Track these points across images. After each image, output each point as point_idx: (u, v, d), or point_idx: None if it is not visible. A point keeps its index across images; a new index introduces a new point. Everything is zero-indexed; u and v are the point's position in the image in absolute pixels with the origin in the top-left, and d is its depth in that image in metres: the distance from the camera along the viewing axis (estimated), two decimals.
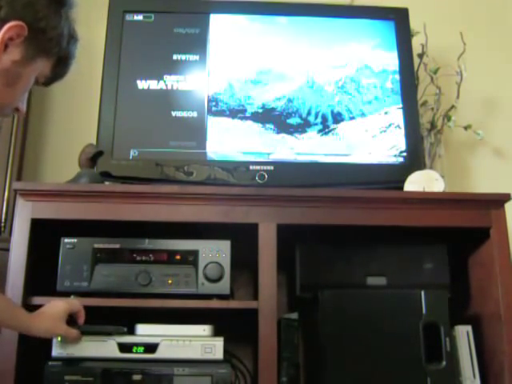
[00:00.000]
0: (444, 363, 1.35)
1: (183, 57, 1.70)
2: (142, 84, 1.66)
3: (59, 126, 1.88)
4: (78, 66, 1.04)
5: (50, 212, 1.37)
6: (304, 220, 1.42)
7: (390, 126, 1.70)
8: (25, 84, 0.97)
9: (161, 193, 1.41)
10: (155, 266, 1.39)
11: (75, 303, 1.30)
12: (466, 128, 1.86)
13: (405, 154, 1.68)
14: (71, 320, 1.30)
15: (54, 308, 1.27)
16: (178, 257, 1.41)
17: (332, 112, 1.70)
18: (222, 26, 1.74)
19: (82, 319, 1.31)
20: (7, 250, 1.37)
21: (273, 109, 1.69)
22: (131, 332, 1.37)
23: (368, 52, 1.76)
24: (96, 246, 1.40)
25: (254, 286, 1.55)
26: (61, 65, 1.01)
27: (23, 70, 0.93)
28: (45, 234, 1.41)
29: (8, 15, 0.85)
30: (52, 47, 0.95)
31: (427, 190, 1.54)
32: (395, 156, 1.68)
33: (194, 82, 1.69)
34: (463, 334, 1.45)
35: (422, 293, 1.39)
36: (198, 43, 1.72)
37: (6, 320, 1.21)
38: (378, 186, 1.60)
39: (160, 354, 1.33)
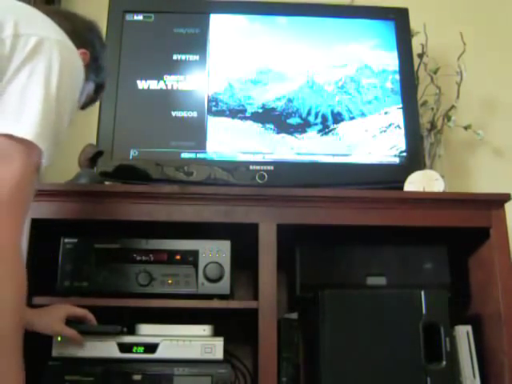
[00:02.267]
0: (444, 363, 1.35)
1: (183, 57, 1.70)
2: (141, 84, 1.66)
3: None
4: None
5: (50, 212, 1.37)
6: (304, 220, 1.42)
7: (390, 126, 1.70)
8: (83, 97, 1.24)
9: (161, 193, 1.41)
10: (155, 266, 1.39)
11: (78, 309, 1.30)
12: (466, 128, 1.86)
13: (405, 154, 1.68)
14: (72, 322, 1.30)
15: (55, 308, 1.28)
16: (177, 257, 1.41)
17: (332, 112, 1.70)
18: (222, 25, 1.74)
19: (92, 321, 1.31)
20: None
21: (273, 109, 1.69)
22: (131, 332, 1.37)
23: (368, 52, 1.76)
24: (96, 245, 1.40)
25: (254, 286, 1.55)
26: (97, 91, 1.30)
27: (84, 86, 1.17)
28: (45, 234, 1.41)
29: (77, 45, 1.09)
30: (99, 73, 1.26)
31: (427, 189, 1.54)
32: (395, 156, 1.68)
33: (194, 82, 1.69)
34: (463, 334, 1.45)
35: (422, 293, 1.39)
36: (198, 43, 1.72)
37: None
38: (378, 186, 1.60)
39: (160, 354, 1.33)
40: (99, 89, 1.31)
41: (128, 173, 1.56)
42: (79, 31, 1.17)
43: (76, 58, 1.06)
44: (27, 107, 0.92)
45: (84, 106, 1.31)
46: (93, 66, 1.22)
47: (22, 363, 0.89)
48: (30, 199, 0.96)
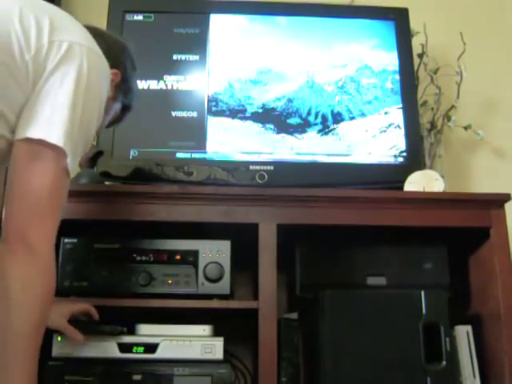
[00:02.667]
0: (444, 363, 1.35)
1: (183, 57, 1.71)
2: (141, 84, 1.66)
3: None
4: None
5: None
6: (304, 220, 1.42)
7: (390, 126, 1.70)
8: (110, 116, 1.27)
9: (161, 193, 1.41)
10: (155, 266, 1.40)
11: (81, 304, 1.30)
12: (466, 128, 1.86)
13: (405, 154, 1.68)
14: (73, 322, 1.30)
15: (60, 305, 1.27)
16: (178, 257, 1.41)
17: (332, 112, 1.70)
18: (222, 25, 1.75)
19: (94, 316, 1.31)
20: None
21: (273, 109, 1.69)
22: (131, 332, 1.37)
23: (368, 52, 1.76)
24: (96, 245, 1.40)
25: (254, 286, 1.55)
26: (124, 111, 1.32)
27: (112, 105, 1.24)
28: None
29: (109, 65, 1.12)
30: (128, 94, 1.28)
31: (427, 189, 1.54)
32: (395, 156, 1.68)
33: (194, 82, 1.69)
34: (463, 333, 1.45)
35: (422, 293, 1.39)
36: (198, 43, 1.72)
37: None
38: (378, 186, 1.60)
39: (160, 354, 1.33)
40: (126, 110, 1.32)
41: (144, 175, 1.56)
42: (112, 51, 1.18)
43: (104, 64, 1.08)
44: (58, 114, 0.95)
45: (109, 125, 1.32)
46: (122, 87, 1.24)
47: (36, 363, 0.92)
48: (65, 202, 0.99)
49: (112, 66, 1.14)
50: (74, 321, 1.29)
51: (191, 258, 1.40)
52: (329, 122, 1.69)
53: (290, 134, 1.67)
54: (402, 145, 1.68)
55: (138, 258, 1.40)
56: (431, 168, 1.75)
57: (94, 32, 1.12)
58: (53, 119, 0.95)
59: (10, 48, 0.94)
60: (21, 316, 0.88)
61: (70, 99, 0.96)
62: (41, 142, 0.93)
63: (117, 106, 1.28)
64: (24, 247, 0.90)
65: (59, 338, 1.32)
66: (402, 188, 1.57)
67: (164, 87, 1.67)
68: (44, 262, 0.92)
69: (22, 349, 0.89)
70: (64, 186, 0.98)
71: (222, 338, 1.36)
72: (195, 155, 1.62)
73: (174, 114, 1.65)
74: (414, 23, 1.82)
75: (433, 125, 1.83)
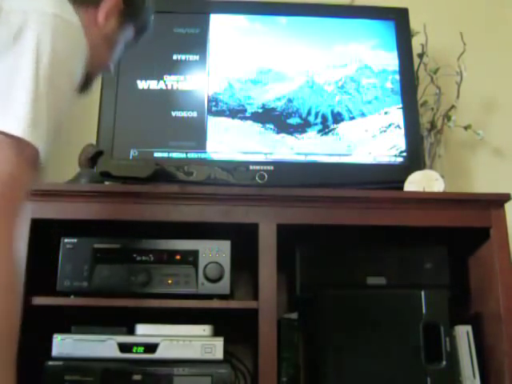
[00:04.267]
0: (444, 363, 1.35)
1: (183, 57, 1.71)
2: (141, 84, 1.66)
3: None
4: None
5: (50, 212, 1.37)
6: (304, 220, 1.42)
7: (390, 126, 1.70)
8: (119, 47, 1.14)
9: (161, 193, 1.41)
10: (155, 266, 1.39)
11: None
12: (466, 128, 1.86)
13: (405, 154, 1.68)
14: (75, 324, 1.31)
15: None
16: (178, 257, 1.41)
17: (332, 112, 1.70)
18: (222, 26, 1.75)
19: None
20: None
21: (273, 109, 1.69)
22: (131, 332, 1.37)
23: (368, 52, 1.76)
24: (96, 245, 1.40)
25: (254, 286, 1.55)
26: (139, 32, 1.17)
27: (118, 36, 1.11)
28: (45, 234, 1.41)
29: None
30: (137, 15, 1.14)
31: (427, 189, 1.54)
32: (395, 156, 1.68)
33: (194, 82, 1.69)
34: (463, 333, 1.45)
35: (422, 293, 1.39)
36: (198, 43, 1.72)
37: None
38: (378, 186, 1.60)
39: (160, 354, 1.33)
40: (140, 32, 1.17)
41: (144, 174, 1.55)
42: None
43: (76, 32, 0.92)
44: (16, 99, 0.82)
45: (127, 47, 1.19)
46: (127, 11, 1.09)
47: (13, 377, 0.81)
48: (23, 199, 0.87)
49: None
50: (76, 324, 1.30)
51: (191, 258, 1.40)
52: (329, 122, 1.69)
53: (290, 134, 1.67)
54: (402, 145, 1.68)
55: (138, 258, 1.40)
56: (431, 168, 1.75)
57: None
58: (10, 106, 0.81)
59: None
60: None
61: (30, 81, 0.82)
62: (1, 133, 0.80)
63: (127, 34, 1.14)
64: None
65: (59, 338, 1.32)
66: (402, 188, 1.57)
67: (164, 87, 1.67)
68: (5, 262, 0.79)
69: None
70: (24, 181, 0.85)
71: (221, 338, 1.36)
72: (195, 155, 1.62)
73: (173, 114, 1.65)
74: (414, 23, 1.82)
75: (433, 125, 1.83)
